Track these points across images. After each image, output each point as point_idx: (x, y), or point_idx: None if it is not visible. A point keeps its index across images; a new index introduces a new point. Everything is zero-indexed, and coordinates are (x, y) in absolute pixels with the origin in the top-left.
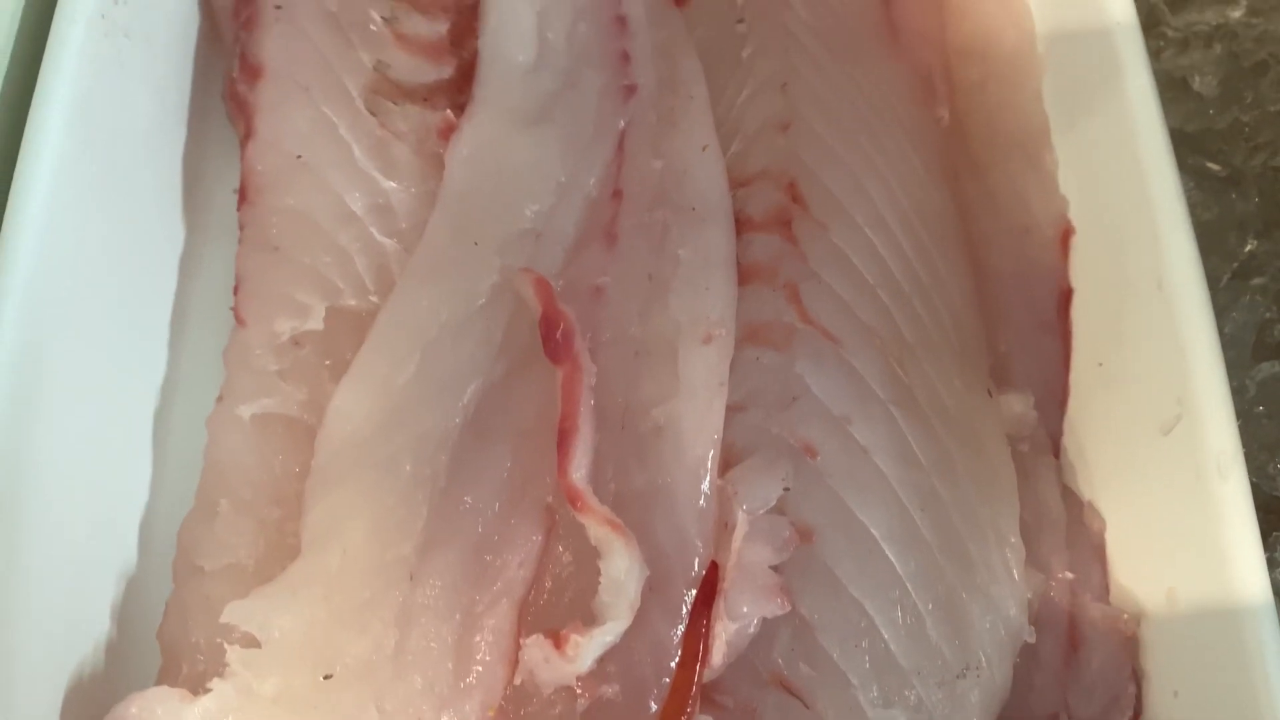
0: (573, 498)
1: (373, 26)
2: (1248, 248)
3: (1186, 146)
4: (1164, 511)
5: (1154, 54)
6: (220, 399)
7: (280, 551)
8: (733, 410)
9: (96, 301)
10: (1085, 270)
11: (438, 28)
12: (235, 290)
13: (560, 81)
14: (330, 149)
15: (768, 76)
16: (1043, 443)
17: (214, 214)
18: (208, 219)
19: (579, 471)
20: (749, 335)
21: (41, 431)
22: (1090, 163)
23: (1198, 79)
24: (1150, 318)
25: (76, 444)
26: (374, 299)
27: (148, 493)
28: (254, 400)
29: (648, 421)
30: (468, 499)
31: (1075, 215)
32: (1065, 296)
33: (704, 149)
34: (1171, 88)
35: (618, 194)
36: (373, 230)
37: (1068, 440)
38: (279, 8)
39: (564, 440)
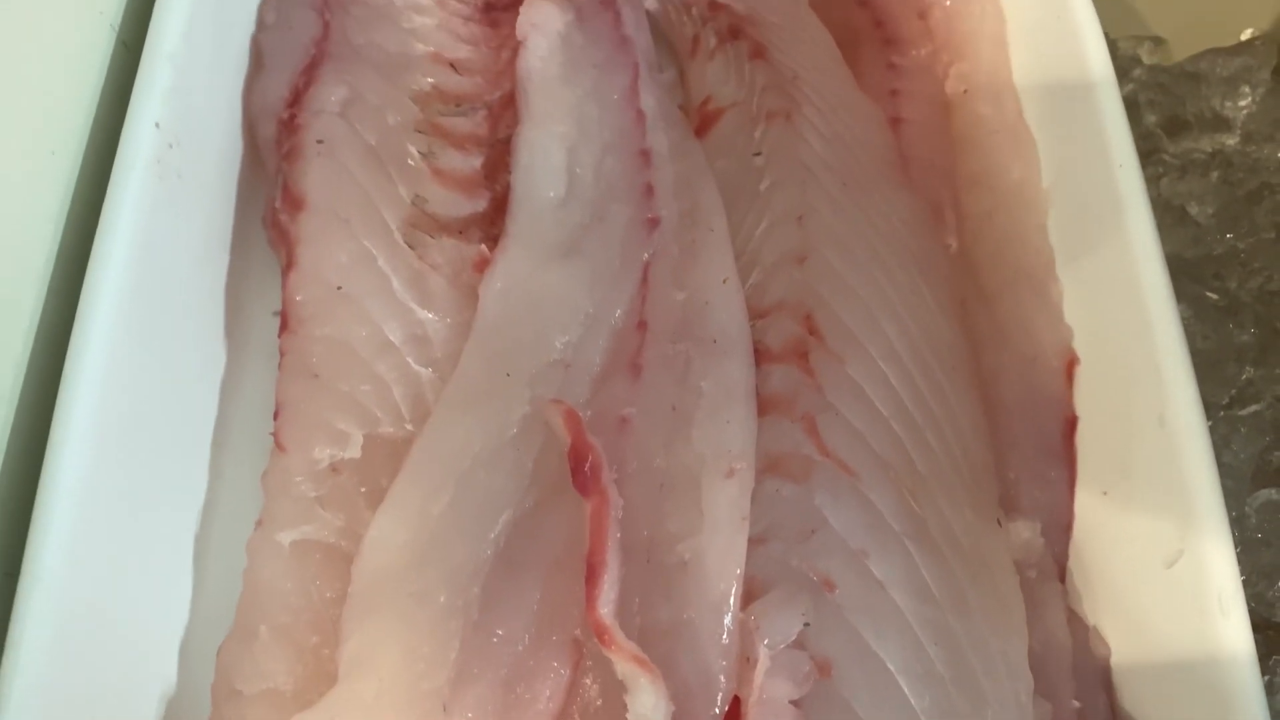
0: (600, 633)
1: (410, 161)
2: (1245, 375)
3: (1185, 274)
4: (1167, 642)
5: (1153, 180)
6: (260, 524)
7: (318, 677)
8: (754, 542)
9: (142, 424)
10: (1090, 400)
11: (472, 162)
12: (275, 416)
13: (589, 215)
14: (369, 280)
15: (785, 209)
16: (1049, 569)
17: (254, 336)
18: (248, 340)
19: (606, 607)
20: (769, 466)
21: (82, 552)
22: (1093, 296)
23: (1195, 206)
24: (1152, 454)
25: (116, 564)
26: (409, 427)
27: (187, 614)
28: (294, 527)
29: (673, 556)
30: (499, 631)
31: (1079, 346)
32: (1070, 425)
33: (724, 282)
34: (1170, 215)
35: (642, 325)
36: (409, 360)
37: (1073, 565)
38: (321, 141)
39: (592, 575)
